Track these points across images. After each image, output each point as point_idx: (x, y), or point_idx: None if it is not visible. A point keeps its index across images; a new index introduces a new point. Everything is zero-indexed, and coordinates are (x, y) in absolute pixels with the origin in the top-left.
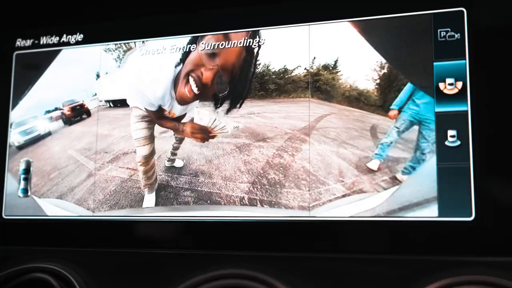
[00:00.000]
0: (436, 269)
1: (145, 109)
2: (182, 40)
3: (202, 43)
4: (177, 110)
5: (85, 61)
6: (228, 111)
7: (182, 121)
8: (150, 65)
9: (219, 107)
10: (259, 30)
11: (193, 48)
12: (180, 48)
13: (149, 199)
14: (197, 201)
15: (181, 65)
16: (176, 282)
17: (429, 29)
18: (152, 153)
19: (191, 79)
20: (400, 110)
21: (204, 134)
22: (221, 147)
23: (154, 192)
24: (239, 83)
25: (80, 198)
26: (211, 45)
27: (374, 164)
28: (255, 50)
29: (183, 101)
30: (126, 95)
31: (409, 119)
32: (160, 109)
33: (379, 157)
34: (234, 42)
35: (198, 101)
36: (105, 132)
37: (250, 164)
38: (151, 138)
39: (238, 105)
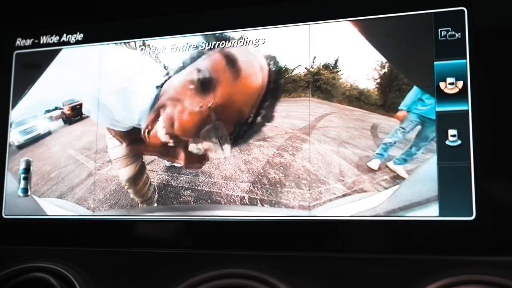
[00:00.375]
0: (437, 269)
1: (108, 129)
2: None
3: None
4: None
5: (85, 61)
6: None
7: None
8: (126, 72)
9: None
10: (259, 29)
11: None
12: (195, 48)
13: None
14: (197, 201)
15: (160, 89)
16: (176, 282)
17: (429, 29)
18: (140, 172)
19: (160, 120)
20: (408, 110)
21: (201, 161)
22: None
23: (155, 204)
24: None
25: (80, 198)
26: (199, 72)
27: (374, 164)
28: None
29: (151, 146)
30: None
31: (416, 120)
32: (135, 131)
33: (380, 157)
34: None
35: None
36: (105, 131)
37: (251, 164)
38: (135, 156)
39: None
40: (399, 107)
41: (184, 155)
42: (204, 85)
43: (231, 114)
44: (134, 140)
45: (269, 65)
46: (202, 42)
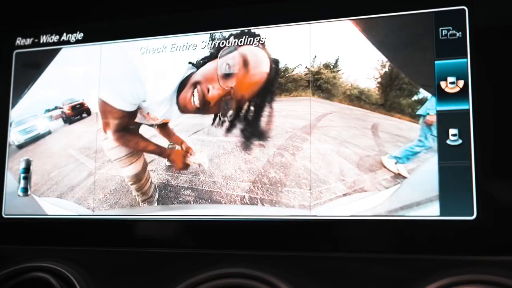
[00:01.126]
0: (437, 269)
1: (119, 109)
2: (204, 51)
3: (222, 57)
4: (159, 112)
5: (85, 60)
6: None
7: (168, 146)
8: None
9: (217, 125)
10: (260, 29)
11: (212, 58)
12: (196, 47)
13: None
14: (197, 200)
15: (195, 70)
16: (176, 282)
17: (430, 28)
18: (143, 168)
19: (195, 92)
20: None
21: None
22: (222, 145)
23: (156, 203)
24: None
25: (80, 197)
26: (226, 66)
27: (391, 164)
28: (274, 83)
29: (185, 110)
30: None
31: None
32: (134, 115)
33: (397, 159)
34: (255, 69)
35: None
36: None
37: (251, 163)
38: (138, 153)
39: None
40: (429, 111)
41: (182, 163)
42: (228, 74)
43: (239, 98)
44: (129, 126)
45: (272, 64)
46: (203, 42)
